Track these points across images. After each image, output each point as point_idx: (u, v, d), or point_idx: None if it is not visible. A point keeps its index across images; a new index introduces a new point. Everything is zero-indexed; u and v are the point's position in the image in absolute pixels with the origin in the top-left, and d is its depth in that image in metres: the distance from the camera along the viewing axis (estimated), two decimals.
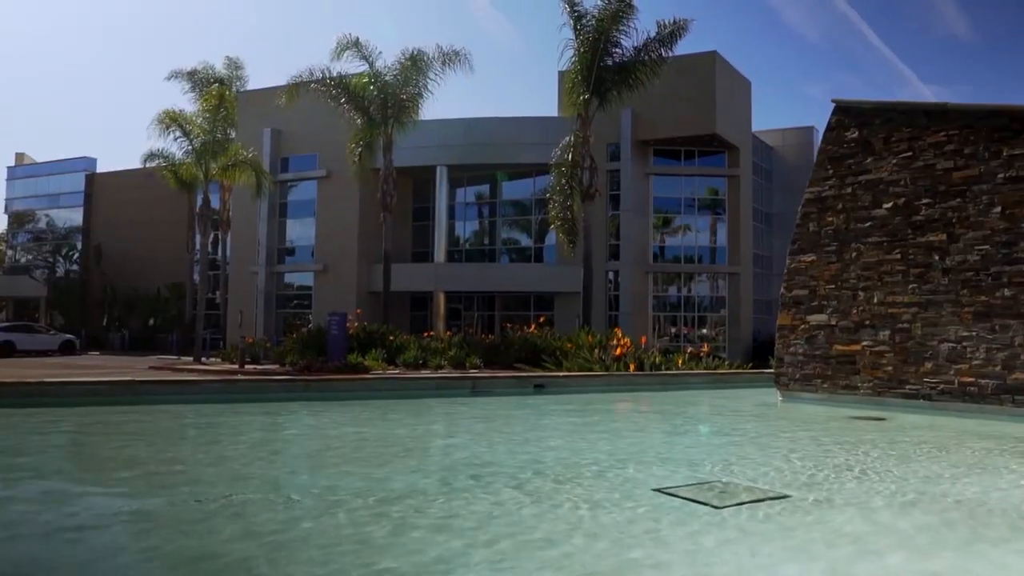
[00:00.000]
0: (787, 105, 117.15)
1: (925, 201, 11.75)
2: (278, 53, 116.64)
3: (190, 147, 38.10)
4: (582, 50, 33.13)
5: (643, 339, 20.28)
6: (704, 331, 42.07)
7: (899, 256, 11.94)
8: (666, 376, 15.68)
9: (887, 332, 11.94)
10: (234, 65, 42.31)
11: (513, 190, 45.69)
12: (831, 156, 12.90)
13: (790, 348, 13.13)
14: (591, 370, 18.64)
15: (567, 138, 34.58)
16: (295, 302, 47.24)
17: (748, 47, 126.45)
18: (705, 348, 20.52)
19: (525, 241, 45.76)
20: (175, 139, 38.05)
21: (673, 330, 41.78)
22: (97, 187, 57.97)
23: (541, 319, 35.48)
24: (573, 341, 28.96)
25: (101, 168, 60.20)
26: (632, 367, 17.62)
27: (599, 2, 33.04)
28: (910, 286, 11.76)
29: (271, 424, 10.26)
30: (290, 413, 11.07)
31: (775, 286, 48.20)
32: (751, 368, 18.52)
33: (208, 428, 9.78)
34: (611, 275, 41.36)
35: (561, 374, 14.92)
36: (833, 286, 12.66)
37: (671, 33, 33.51)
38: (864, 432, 9.59)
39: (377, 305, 39.77)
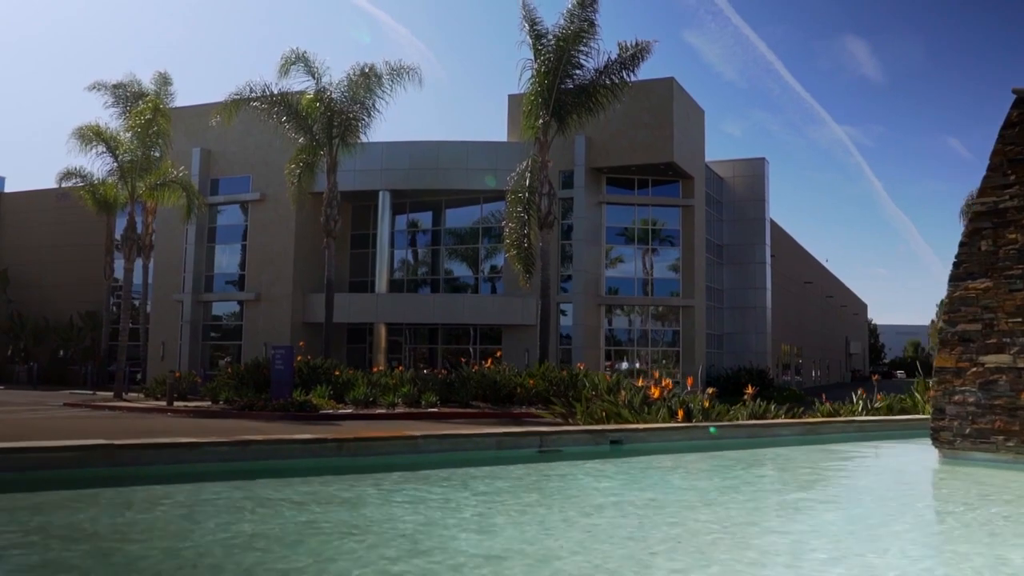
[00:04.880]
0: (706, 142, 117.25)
1: None
2: (201, 71, 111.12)
3: (115, 164, 33.49)
4: (542, 71, 30.40)
5: (689, 380, 17.04)
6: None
7: None
8: (753, 427, 12.44)
9: None
10: (163, 80, 37.80)
11: (459, 217, 42.06)
12: (1011, 159, 9.90)
13: (955, 396, 10.02)
14: (619, 415, 15.36)
15: (523, 163, 31.79)
16: (222, 333, 42.55)
17: None
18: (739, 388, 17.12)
19: (472, 271, 42.07)
20: (98, 155, 33.43)
21: (619, 364, 38.77)
22: (5, 208, 51.98)
23: (498, 353, 32.31)
24: (536, 377, 25.80)
25: (9, 188, 54.61)
26: (681, 414, 14.33)
27: (561, 21, 30.46)
28: None
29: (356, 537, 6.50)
30: (375, 504, 7.30)
31: (727, 319, 46.01)
32: (834, 416, 15.43)
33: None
34: (562, 307, 38.16)
35: (641, 427, 11.59)
36: (1019, 319, 9.63)
37: (633, 56, 31.19)
38: None
39: (314, 337, 35.82)
